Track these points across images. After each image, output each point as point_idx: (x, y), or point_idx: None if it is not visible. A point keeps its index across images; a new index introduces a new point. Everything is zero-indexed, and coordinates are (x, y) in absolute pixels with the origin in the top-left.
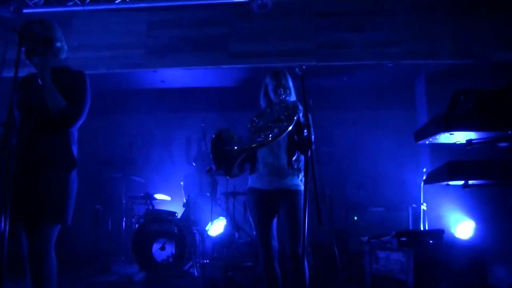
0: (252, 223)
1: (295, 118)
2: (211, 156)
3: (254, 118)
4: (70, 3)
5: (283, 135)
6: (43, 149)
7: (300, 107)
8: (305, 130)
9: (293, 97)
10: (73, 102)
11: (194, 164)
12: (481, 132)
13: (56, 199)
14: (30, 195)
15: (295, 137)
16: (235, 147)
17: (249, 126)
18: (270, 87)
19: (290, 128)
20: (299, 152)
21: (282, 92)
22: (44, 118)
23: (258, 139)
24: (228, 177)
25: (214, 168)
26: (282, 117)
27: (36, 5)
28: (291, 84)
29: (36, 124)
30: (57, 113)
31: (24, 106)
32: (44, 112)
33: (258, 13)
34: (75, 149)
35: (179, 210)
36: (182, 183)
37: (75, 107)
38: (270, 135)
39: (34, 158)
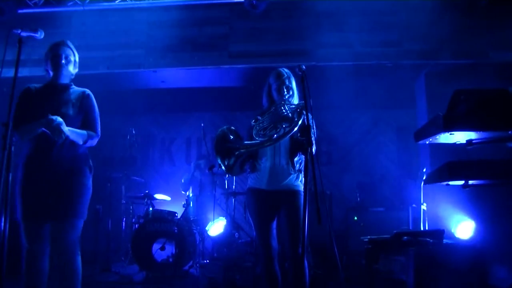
0: (252, 223)
1: (301, 119)
2: (215, 152)
3: (258, 117)
4: (70, 3)
5: (289, 135)
6: (62, 157)
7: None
8: (307, 131)
9: (296, 98)
10: (91, 126)
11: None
12: (481, 132)
13: (75, 198)
14: (55, 197)
15: (297, 138)
16: (240, 144)
17: (253, 123)
18: (273, 87)
19: (296, 128)
20: (300, 153)
21: (286, 93)
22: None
23: (263, 138)
24: (229, 175)
25: (216, 165)
26: (289, 117)
27: (36, 5)
28: (294, 85)
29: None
30: (83, 143)
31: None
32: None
33: (255, 12)
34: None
35: (179, 210)
36: (183, 180)
37: (95, 130)
38: (275, 135)
39: (56, 163)
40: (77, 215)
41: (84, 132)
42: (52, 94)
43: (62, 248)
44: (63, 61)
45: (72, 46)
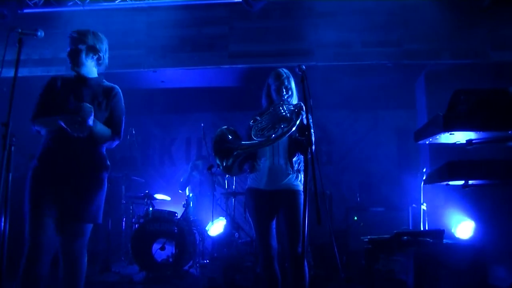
0: (252, 223)
1: (299, 119)
2: (213, 152)
3: (257, 117)
4: (70, 3)
5: (287, 135)
6: (83, 154)
7: (303, 109)
8: (306, 131)
9: (295, 99)
10: (115, 126)
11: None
12: (481, 132)
13: (94, 201)
14: (70, 197)
15: (296, 138)
16: (238, 145)
17: (251, 123)
18: (272, 88)
19: (294, 129)
20: (299, 153)
21: (285, 93)
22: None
23: (261, 138)
24: (228, 175)
25: (216, 165)
26: (287, 117)
27: (36, 5)
28: (293, 85)
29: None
30: (103, 142)
31: (65, 123)
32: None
33: (253, 11)
34: (105, 153)
35: (179, 210)
36: (182, 179)
37: (117, 132)
38: (273, 135)
39: (73, 161)
40: (87, 218)
41: (109, 130)
42: (77, 88)
43: (69, 250)
44: (68, 51)
45: (80, 32)
